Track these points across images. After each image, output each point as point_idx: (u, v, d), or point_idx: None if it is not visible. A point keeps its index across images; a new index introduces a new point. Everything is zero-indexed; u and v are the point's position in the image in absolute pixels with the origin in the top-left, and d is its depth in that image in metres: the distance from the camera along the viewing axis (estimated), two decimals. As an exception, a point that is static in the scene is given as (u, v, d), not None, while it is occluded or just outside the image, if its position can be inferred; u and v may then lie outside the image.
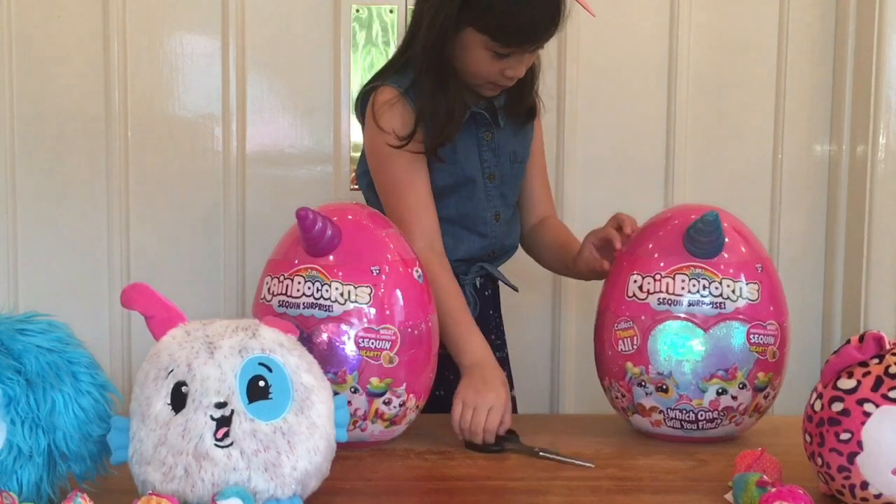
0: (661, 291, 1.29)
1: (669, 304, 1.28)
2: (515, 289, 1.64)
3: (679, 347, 1.28)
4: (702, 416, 1.29)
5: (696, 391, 1.28)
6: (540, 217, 1.65)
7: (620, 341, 1.32)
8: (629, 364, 1.31)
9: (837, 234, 2.07)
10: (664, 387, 1.29)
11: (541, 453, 1.24)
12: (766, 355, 1.29)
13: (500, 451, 1.26)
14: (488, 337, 1.60)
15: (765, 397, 1.32)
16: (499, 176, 1.56)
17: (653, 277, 1.30)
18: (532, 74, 1.55)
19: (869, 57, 1.97)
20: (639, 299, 1.30)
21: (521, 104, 1.56)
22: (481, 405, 1.28)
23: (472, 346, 1.38)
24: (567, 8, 1.43)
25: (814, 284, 2.12)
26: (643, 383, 1.30)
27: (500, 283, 1.64)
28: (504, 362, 1.66)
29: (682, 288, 1.28)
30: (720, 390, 1.28)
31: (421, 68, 1.46)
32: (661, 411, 1.30)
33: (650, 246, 1.34)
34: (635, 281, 1.31)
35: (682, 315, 1.28)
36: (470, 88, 1.49)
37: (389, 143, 1.45)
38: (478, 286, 1.59)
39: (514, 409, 1.65)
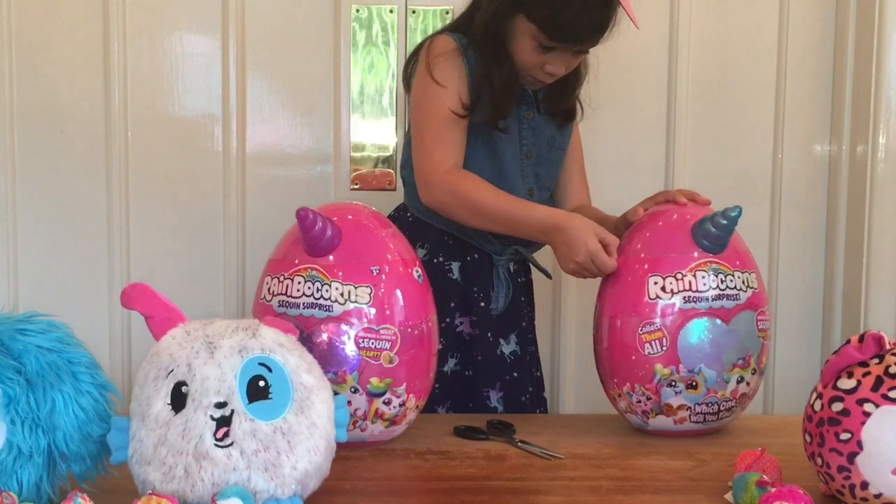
0: (685, 290, 1.30)
1: (694, 302, 1.29)
2: (549, 275, 1.65)
3: (707, 343, 1.30)
4: (723, 406, 1.32)
5: (721, 383, 1.30)
6: (577, 204, 1.67)
7: (647, 344, 1.30)
8: (658, 366, 1.30)
9: (837, 234, 2.07)
10: (694, 383, 1.30)
11: (519, 443, 1.28)
12: (767, 339, 1.35)
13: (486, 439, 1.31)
14: (519, 325, 1.61)
15: (763, 379, 1.37)
16: (535, 155, 1.59)
17: (674, 277, 1.31)
18: (576, 78, 1.59)
19: (869, 57, 1.97)
20: (663, 300, 1.30)
21: (559, 104, 1.60)
22: (583, 261, 1.36)
23: (537, 218, 1.44)
24: (616, 17, 1.45)
25: (814, 284, 2.12)
26: (673, 383, 1.30)
27: (532, 273, 1.66)
28: (534, 358, 1.68)
29: (704, 284, 1.30)
30: (739, 379, 1.31)
31: (478, 44, 1.50)
32: (688, 408, 1.31)
33: (659, 247, 1.34)
34: (656, 282, 1.31)
35: (707, 310, 1.30)
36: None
37: (451, 107, 1.47)
38: (511, 271, 1.61)
39: (545, 409, 1.67)
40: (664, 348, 1.30)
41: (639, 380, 1.32)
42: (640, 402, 1.33)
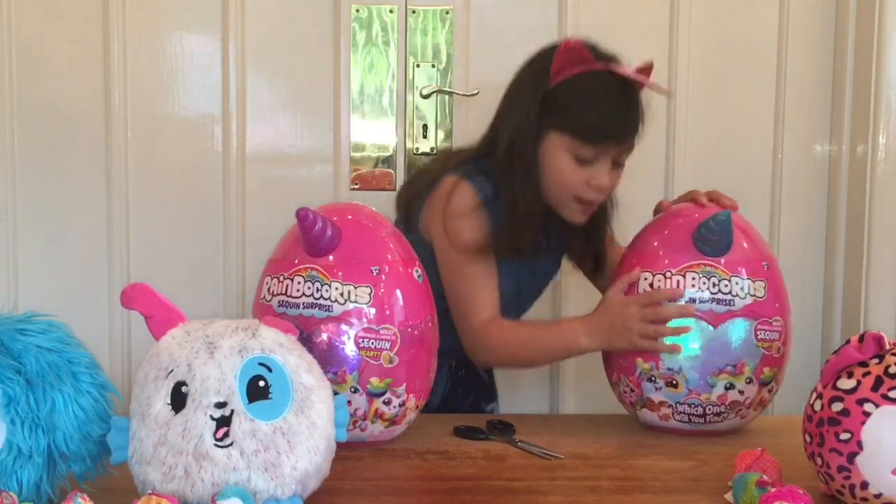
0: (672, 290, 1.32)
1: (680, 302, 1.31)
2: (491, 379, 1.68)
3: (689, 343, 1.30)
4: (710, 409, 1.31)
5: (704, 386, 1.30)
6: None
7: None
8: (639, 360, 1.33)
9: (837, 234, 2.07)
10: (674, 382, 1.31)
11: (519, 443, 1.28)
12: (772, 351, 1.32)
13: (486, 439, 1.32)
14: (466, 400, 1.62)
15: (769, 391, 1.35)
16: (525, 291, 1.57)
17: (663, 275, 1.32)
18: (603, 220, 1.53)
19: (869, 57, 1.97)
20: None
21: (590, 250, 1.55)
22: (633, 310, 1.32)
23: (570, 335, 1.40)
24: (645, 106, 1.44)
25: (814, 284, 2.12)
26: (653, 378, 1.32)
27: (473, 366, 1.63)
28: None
29: (693, 286, 1.30)
30: (728, 385, 1.30)
31: (504, 179, 1.44)
32: (670, 406, 1.32)
33: (657, 244, 1.36)
34: (645, 278, 1.33)
35: (693, 312, 1.30)
36: (552, 215, 1.46)
37: (477, 264, 1.43)
38: (452, 367, 1.59)
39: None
40: None
41: (623, 371, 1.36)
42: (625, 392, 1.37)
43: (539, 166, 1.43)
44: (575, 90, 1.41)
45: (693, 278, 1.31)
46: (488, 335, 1.44)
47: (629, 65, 1.45)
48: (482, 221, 1.44)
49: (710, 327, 1.30)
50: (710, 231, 1.30)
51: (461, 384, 1.63)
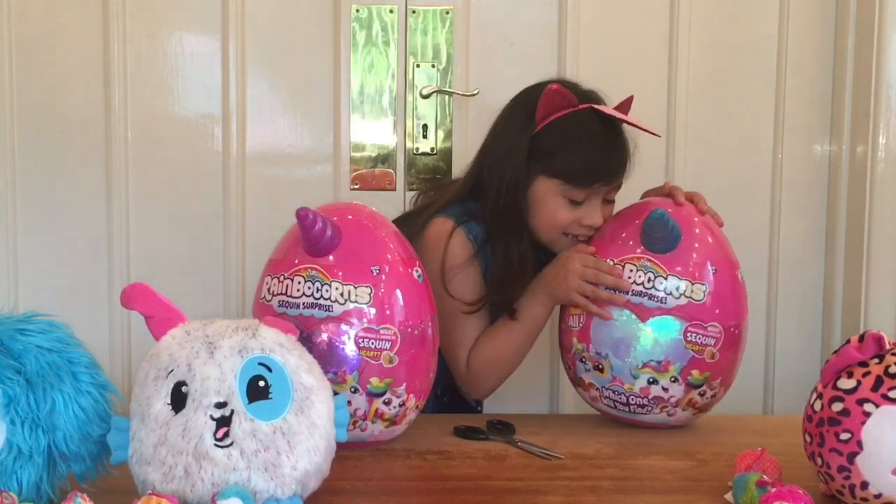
0: None
1: (614, 290, 1.34)
2: (479, 405, 1.67)
3: (616, 332, 1.33)
4: (633, 400, 1.34)
5: (628, 376, 1.33)
6: None
7: (571, 317, 1.40)
8: (575, 339, 1.39)
9: (837, 234, 2.07)
10: (600, 366, 1.35)
11: (519, 443, 1.29)
12: (704, 355, 1.32)
13: (486, 439, 1.32)
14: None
15: (700, 395, 1.34)
16: None
17: (606, 263, 1.37)
18: None
19: (869, 57, 1.97)
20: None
21: None
22: (578, 267, 1.38)
23: (530, 304, 1.46)
24: (633, 146, 1.47)
25: (814, 284, 2.12)
26: (584, 360, 1.37)
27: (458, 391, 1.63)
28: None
29: (629, 277, 1.33)
30: (651, 379, 1.32)
31: (494, 225, 1.47)
32: (597, 388, 1.37)
33: (615, 233, 1.40)
34: None
35: (624, 302, 1.33)
36: (542, 258, 1.49)
37: (461, 309, 1.47)
38: (438, 394, 1.59)
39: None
40: (581, 324, 1.38)
41: (563, 348, 1.43)
42: (567, 369, 1.43)
43: (529, 210, 1.46)
44: (561, 134, 1.43)
45: (631, 270, 1.33)
46: (471, 370, 1.49)
47: (610, 101, 1.49)
48: (477, 270, 1.48)
49: (638, 320, 1.32)
50: (650, 227, 1.32)
51: (447, 411, 1.62)
